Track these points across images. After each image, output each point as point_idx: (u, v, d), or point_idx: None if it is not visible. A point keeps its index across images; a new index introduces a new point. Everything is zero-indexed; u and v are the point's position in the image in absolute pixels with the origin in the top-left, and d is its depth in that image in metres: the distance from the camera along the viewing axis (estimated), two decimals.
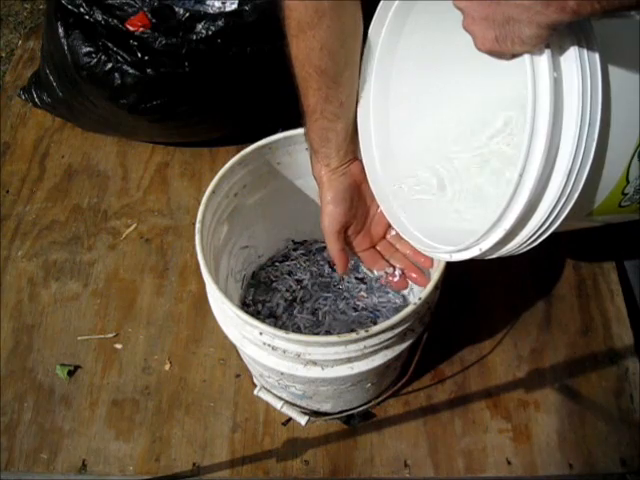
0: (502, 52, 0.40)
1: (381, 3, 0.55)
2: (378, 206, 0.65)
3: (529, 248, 0.48)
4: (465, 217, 0.57)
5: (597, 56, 0.40)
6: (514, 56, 0.41)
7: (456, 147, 0.61)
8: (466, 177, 0.60)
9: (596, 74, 0.40)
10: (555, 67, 0.40)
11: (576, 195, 0.43)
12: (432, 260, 0.65)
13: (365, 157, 0.64)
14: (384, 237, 0.68)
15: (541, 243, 0.48)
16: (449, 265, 0.61)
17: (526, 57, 0.40)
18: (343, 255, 0.65)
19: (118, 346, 0.89)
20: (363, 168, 0.64)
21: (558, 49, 0.40)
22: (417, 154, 0.63)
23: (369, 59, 0.60)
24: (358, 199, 0.65)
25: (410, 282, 0.68)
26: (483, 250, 0.48)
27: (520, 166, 0.41)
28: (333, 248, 0.64)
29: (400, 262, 0.67)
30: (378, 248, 0.68)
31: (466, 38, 0.46)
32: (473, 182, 0.59)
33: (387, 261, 0.68)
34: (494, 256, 0.50)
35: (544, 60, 0.39)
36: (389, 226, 0.66)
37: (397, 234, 0.65)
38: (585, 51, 0.40)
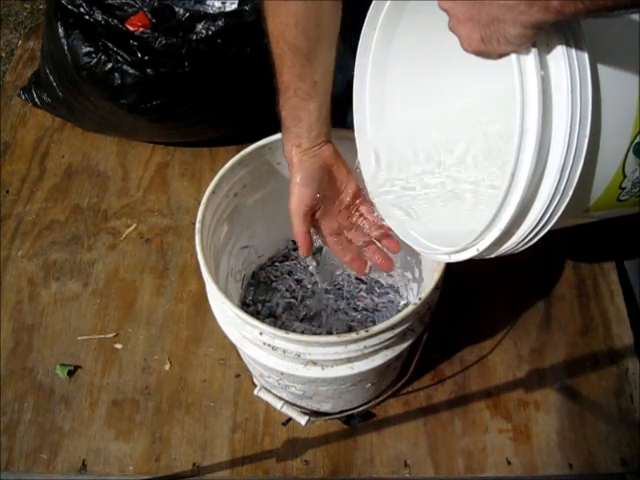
0: (488, 52, 0.40)
1: (373, 3, 0.55)
2: (348, 190, 0.65)
3: (527, 246, 0.48)
4: (462, 217, 0.57)
5: (585, 53, 0.40)
6: (501, 56, 0.41)
7: (452, 145, 0.61)
8: (462, 175, 0.60)
9: (585, 71, 0.40)
10: (542, 65, 0.40)
11: (570, 192, 0.42)
12: (399, 245, 0.65)
13: (362, 158, 0.64)
14: (352, 222, 0.67)
15: (540, 241, 0.48)
16: (449, 265, 0.61)
17: (512, 57, 0.40)
18: (307, 237, 0.64)
19: (118, 346, 0.89)
20: (335, 151, 0.64)
21: (545, 48, 0.40)
22: (414, 153, 0.63)
23: (364, 58, 0.60)
24: (328, 182, 0.64)
25: (373, 265, 0.68)
26: (480, 250, 0.48)
27: (511, 165, 0.41)
28: (298, 230, 0.63)
29: (367, 247, 0.66)
30: (346, 232, 0.67)
31: (456, 38, 0.46)
32: (469, 181, 0.59)
33: (354, 246, 0.67)
34: (492, 255, 0.50)
35: (531, 59, 0.39)
36: (357, 209, 0.66)
37: (365, 216, 0.65)
38: (573, 49, 0.40)
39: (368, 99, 0.62)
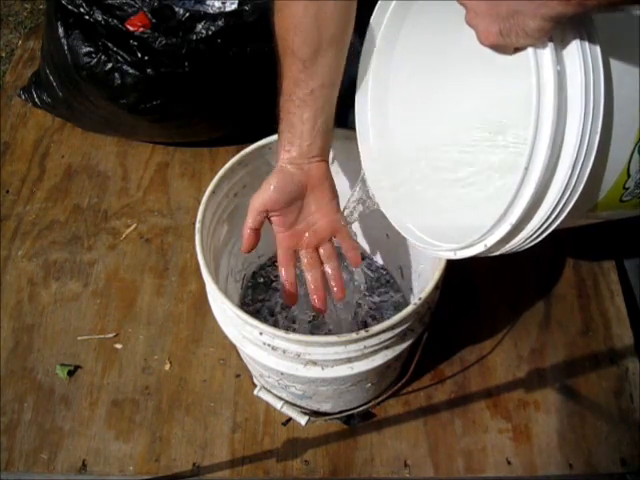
0: (505, 46, 0.40)
1: (379, 3, 0.55)
2: (326, 215, 0.63)
3: (533, 244, 0.48)
4: (467, 214, 0.57)
5: (598, 50, 0.40)
6: (517, 50, 0.41)
7: (457, 145, 0.61)
8: (468, 174, 0.60)
9: (598, 68, 0.40)
10: (558, 60, 0.40)
11: (580, 187, 0.43)
12: (344, 294, 0.65)
13: (364, 157, 0.64)
14: (316, 249, 0.65)
15: (542, 242, 0.48)
16: (449, 265, 0.61)
17: (529, 50, 0.40)
18: (253, 235, 0.61)
19: (118, 346, 0.89)
20: (325, 175, 0.62)
21: (560, 43, 0.40)
22: (417, 153, 0.63)
23: (367, 60, 0.60)
24: (301, 200, 0.62)
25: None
26: (488, 246, 0.48)
27: (526, 159, 0.41)
28: (247, 224, 0.61)
29: (314, 280, 0.65)
30: (303, 254, 0.65)
31: (463, 39, 0.46)
32: (475, 179, 0.60)
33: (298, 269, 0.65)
34: (498, 252, 0.50)
35: (547, 53, 0.40)
36: (330, 236, 0.65)
37: (329, 254, 0.65)
38: (587, 45, 0.40)
39: (370, 99, 0.62)
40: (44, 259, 0.99)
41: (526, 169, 0.42)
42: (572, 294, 0.93)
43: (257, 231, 0.62)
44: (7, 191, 1.07)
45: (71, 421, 0.83)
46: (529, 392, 0.84)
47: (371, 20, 0.57)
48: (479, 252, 0.49)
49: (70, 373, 0.87)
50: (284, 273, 0.65)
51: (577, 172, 0.42)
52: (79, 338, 0.90)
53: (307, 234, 0.64)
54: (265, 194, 0.61)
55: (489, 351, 0.87)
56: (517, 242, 0.48)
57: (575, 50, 0.40)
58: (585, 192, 0.43)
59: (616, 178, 0.47)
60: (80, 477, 0.80)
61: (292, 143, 0.60)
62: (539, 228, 0.45)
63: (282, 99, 0.59)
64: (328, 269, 0.66)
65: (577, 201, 0.44)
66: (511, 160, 0.62)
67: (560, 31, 0.40)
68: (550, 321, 0.90)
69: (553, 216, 0.44)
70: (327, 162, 0.63)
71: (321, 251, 0.66)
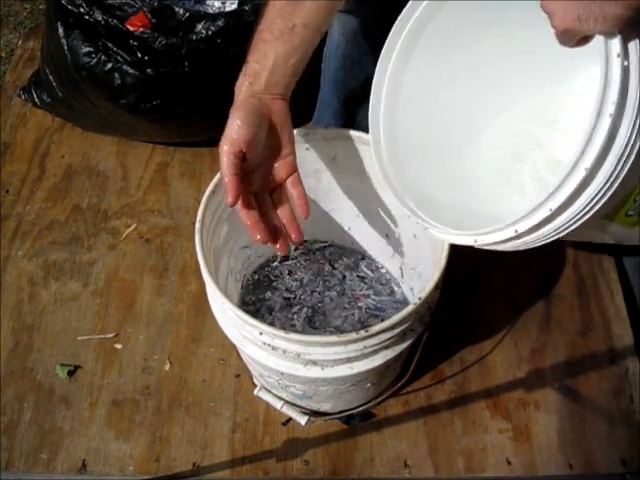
0: (579, 32, 0.41)
1: (410, 3, 0.56)
2: (282, 158, 0.62)
3: (550, 240, 0.49)
4: (475, 208, 0.58)
5: None
6: (579, 42, 0.42)
7: (470, 141, 0.62)
8: (480, 171, 0.60)
9: None
10: (625, 55, 0.41)
11: (617, 184, 0.43)
12: (301, 236, 0.63)
13: (375, 150, 0.64)
14: (275, 189, 0.63)
15: (543, 244, 0.48)
16: (449, 265, 0.61)
17: (601, 39, 0.41)
18: (236, 180, 0.56)
19: (118, 346, 0.89)
20: (285, 113, 0.60)
21: (625, 40, 0.41)
22: (424, 152, 0.63)
23: (386, 58, 0.60)
24: (266, 135, 0.59)
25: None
26: (519, 232, 0.48)
27: (582, 144, 0.42)
28: (227, 170, 0.56)
29: (276, 218, 0.63)
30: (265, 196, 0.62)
31: (480, 51, 0.46)
32: (485, 176, 0.60)
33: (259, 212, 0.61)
34: (518, 243, 0.50)
35: (616, 44, 0.41)
36: (284, 180, 0.63)
37: (283, 197, 0.63)
38: None
39: (385, 93, 0.62)
40: (44, 259, 0.99)
41: (582, 153, 0.42)
42: (572, 294, 0.93)
43: (239, 176, 0.56)
44: (7, 191, 1.07)
45: (71, 421, 0.83)
46: (529, 392, 0.84)
47: (397, 21, 0.57)
48: (507, 237, 0.49)
49: (70, 373, 0.87)
50: (245, 216, 0.60)
51: (619, 167, 0.42)
52: (79, 338, 0.90)
53: (264, 177, 0.62)
54: (238, 134, 0.56)
55: (489, 351, 0.87)
56: (542, 234, 0.48)
57: (634, 47, 0.41)
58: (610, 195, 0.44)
59: (631, 189, 0.47)
60: (80, 477, 0.80)
61: (259, 75, 0.58)
62: (569, 221, 0.46)
63: (260, 27, 0.58)
64: (282, 210, 0.63)
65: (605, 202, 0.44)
66: (516, 165, 0.62)
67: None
68: (550, 321, 0.90)
69: (586, 210, 0.45)
70: (288, 102, 0.61)
71: (274, 195, 0.63)
